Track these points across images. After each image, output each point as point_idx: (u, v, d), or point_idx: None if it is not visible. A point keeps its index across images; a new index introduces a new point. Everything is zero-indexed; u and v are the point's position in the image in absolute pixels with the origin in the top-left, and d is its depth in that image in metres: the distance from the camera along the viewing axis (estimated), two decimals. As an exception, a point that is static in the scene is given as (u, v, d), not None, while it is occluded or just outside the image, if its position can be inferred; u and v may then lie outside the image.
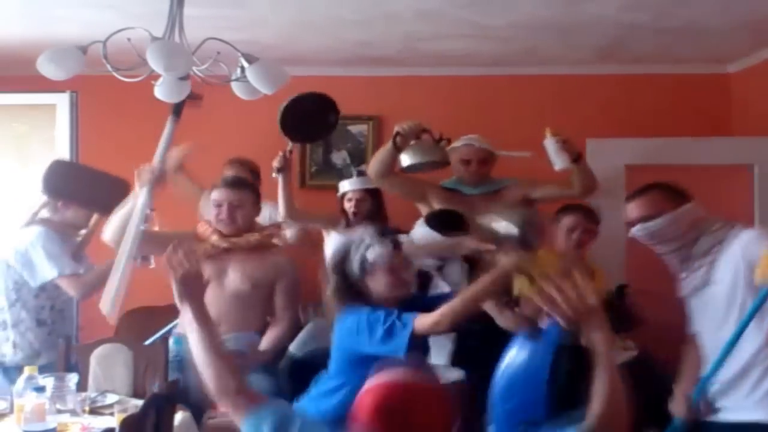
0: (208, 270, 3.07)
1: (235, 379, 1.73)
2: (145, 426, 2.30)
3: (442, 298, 2.45)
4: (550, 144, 3.42)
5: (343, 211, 3.81)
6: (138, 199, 2.95)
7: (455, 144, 3.60)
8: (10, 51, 4.05)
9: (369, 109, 4.64)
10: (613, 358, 1.68)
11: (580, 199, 3.61)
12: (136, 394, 3.00)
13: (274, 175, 3.51)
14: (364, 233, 2.56)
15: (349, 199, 3.78)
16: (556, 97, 4.53)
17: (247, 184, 3.36)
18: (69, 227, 3.41)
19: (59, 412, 2.52)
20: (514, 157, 3.59)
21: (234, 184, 3.29)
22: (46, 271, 3.24)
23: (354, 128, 4.68)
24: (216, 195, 3.23)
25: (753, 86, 4.25)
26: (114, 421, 2.48)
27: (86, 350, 3.16)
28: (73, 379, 2.70)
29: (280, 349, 3.36)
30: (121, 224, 2.98)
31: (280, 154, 3.49)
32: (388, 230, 2.71)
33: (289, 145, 3.47)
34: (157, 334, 3.42)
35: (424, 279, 3.37)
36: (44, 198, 3.39)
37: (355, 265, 2.48)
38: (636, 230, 2.48)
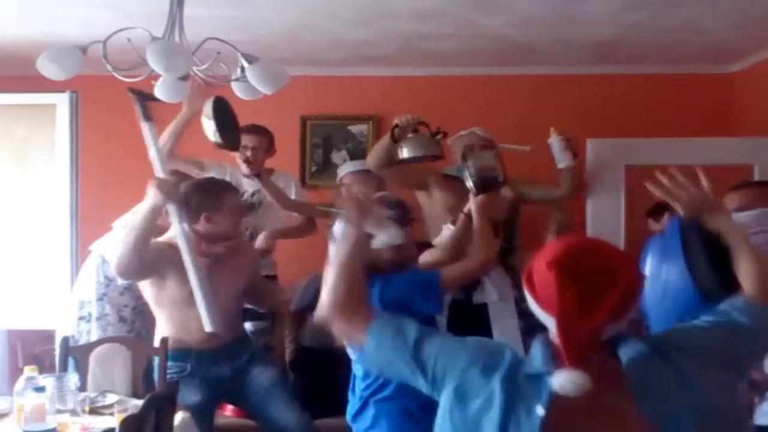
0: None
1: (363, 295, 1.73)
2: (145, 426, 2.29)
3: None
4: (555, 142, 3.54)
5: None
6: (173, 218, 2.92)
7: (461, 133, 3.65)
8: (10, 51, 4.05)
9: (369, 109, 4.65)
10: (744, 235, 1.71)
11: (564, 199, 3.68)
12: (136, 394, 3.00)
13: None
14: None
15: (343, 184, 3.83)
16: (556, 97, 4.53)
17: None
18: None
19: (59, 412, 2.52)
20: (514, 151, 3.61)
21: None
22: None
23: (354, 128, 4.68)
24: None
25: (754, 86, 4.25)
26: (114, 421, 2.48)
27: (86, 350, 3.16)
28: (73, 379, 2.70)
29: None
30: (137, 247, 2.84)
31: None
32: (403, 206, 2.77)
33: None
34: None
35: (472, 283, 3.36)
36: None
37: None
38: (743, 215, 2.47)
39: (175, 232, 2.92)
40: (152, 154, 2.96)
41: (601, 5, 3.27)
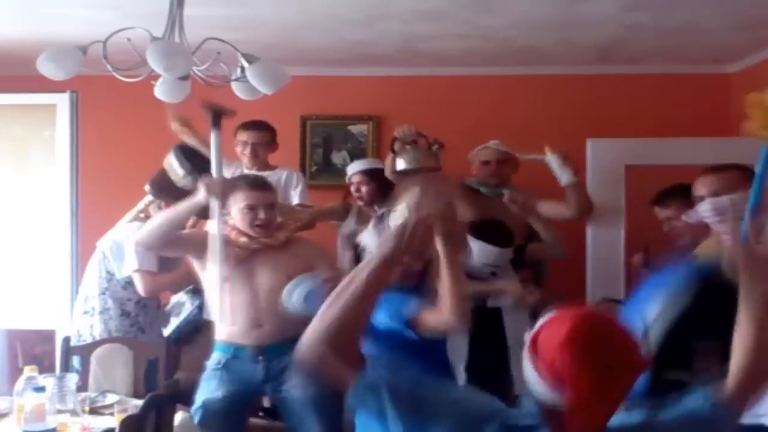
0: (234, 274, 2.95)
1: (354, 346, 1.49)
2: (145, 426, 2.30)
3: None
4: (552, 161, 3.50)
5: (351, 195, 3.86)
6: (213, 214, 2.91)
7: (478, 147, 3.72)
8: (9, 51, 4.05)
9: (369, 109, 4.65)
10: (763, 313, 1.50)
11: (576, 220, 3.66)
12: (136, 394, 3.01)
13: None
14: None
15: (352, 183, 3.82)
16: (556, 97, 4.53)
17: (268, 184, 3.17)
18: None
19: (59, 412, 2.52)
20: (533, 160, 3.61)
21: (265, 185, 3.07)
22: (130, 264, 3.32)
23: (354, 128, 4.68)
24: (249, 198, 2.97)
25: (753, 86, 4.23)
26: (114, 421, 2.48)
27: (86, 350, 3.17)
28: (73, 379, 2.70)
29: None
30: (164, 230, 2.91)
31: None
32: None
33: None
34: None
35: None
36: (150, 196, 3.51)
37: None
38: (703, 205, 2.36)
39: (213, 228, 2.93)
40: (213, 160, 2.95)
41: (602, 6, 3.27)
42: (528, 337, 1.42)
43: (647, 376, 1.68)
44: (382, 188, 3.67)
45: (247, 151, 3.85)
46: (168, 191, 3.36)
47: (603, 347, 1.32)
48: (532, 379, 1.40)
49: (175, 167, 3.48)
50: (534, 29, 3.68)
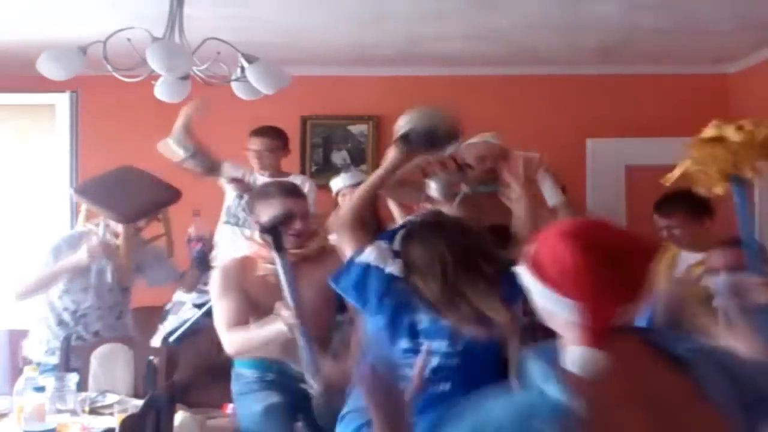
0: (274, 293, 2.64)
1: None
2: (145, 426, 2.30)
3: None
4: (544, 179, 3.23)
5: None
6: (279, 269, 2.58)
7: (473, 140, 3.48)
8: (10, 51, 4.05)
9: (369, 109, 4.65)
10: None
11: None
12: (136, 394, 3.01)
13: None
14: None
15: (343, 195, 3.73)
16: (556, 97, 4.53)
17: (301, 191, 2.95)
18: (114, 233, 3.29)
19: (59, 412, 2.52)
20: (527, 156, 3.53)
21: (299, 192, 2.85)
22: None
23: (354, 128, 4.69)
24: (286, 205, 2.72)
25: (752, 86, 4.25)
26: (114, 421, 2.48)
27: (86, 350, 3.16)
28: (73, 379, 2.69)
29: None
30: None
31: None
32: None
33: None
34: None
35: None
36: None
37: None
38: (718, 280, 2.42)
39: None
40: (283, 282, 2.56)
41: (603, 7, 3.27)
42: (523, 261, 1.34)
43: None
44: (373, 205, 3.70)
45: (259, 157, 3.85)
46: (92, 195, 3.26)
47: (602, 235, 1.27)
48: (538, 295, 1.30)
49: (175, 151, 3.54)
50: (536, 30, 3.68)
